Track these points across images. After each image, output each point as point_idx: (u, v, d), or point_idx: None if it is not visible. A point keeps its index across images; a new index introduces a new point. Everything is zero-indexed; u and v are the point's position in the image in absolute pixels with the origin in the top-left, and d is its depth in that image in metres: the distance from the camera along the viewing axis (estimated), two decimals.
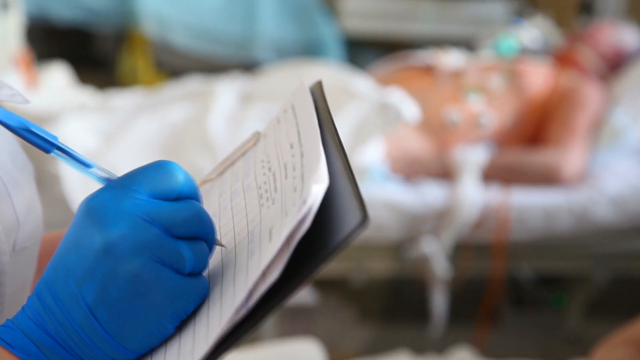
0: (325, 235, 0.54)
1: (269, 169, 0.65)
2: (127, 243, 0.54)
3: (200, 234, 0.57)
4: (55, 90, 2.51)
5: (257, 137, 0.73)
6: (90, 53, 3.83)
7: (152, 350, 0.57)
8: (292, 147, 0.64)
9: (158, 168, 0.57)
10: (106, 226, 0.54)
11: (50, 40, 3.63)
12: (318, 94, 0.68)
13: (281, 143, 0.66)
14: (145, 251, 0.54)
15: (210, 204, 0.70)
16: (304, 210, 0.53)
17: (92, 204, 0.56)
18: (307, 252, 0.54)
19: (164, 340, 0.57)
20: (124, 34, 3.53)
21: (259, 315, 0.54)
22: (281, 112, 0.71)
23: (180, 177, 0.58)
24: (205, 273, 0.60)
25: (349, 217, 0.53)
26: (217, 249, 0.63)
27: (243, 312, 0.53)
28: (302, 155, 0.60)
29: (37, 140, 0.58)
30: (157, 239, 0.55)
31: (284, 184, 0.61)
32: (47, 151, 0.58)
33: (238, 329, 0.54)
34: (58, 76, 2.59)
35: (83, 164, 0.59)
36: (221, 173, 0.74)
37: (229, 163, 0.74)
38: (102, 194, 0.56)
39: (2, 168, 0.65)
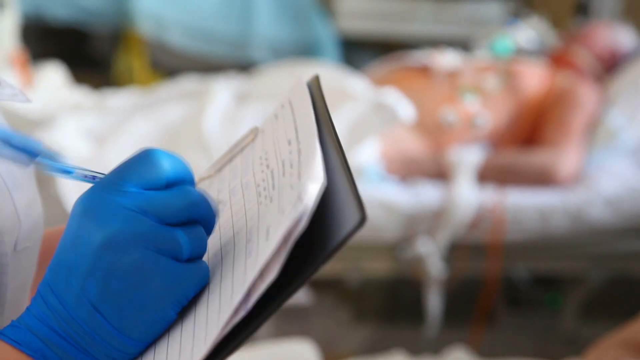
0: (324, 235, 0.54)
1: (267, 166, 0.65)
2: (124, 237, 0.55)
3: (195, 217, 0.58)
4: (50, 90, 2.50)
5: (255, 132, 0.73)
6: (85, 53, 3.82)
7: (155, 344, 0.58)
8: (289, 143, 0.63)
9: (142, 159, 0.58)
10: (102, 223, 0.55)
11: (45, 40, 3.62)
12: (315, 90, 0.67)
13: (279, 139, 0.66)
14: (141, 242, 0.55)
15: None
16: (300, 209, 0.53)
17: (85, 203, 0.57)
18: (306, 251, 0.54)
19: (167, 332, 0.58)
20: (119, 34, 3.52)
21: (260, 316, 0.53)
22: (279, 108, 0.70)
23: (165, 164, 0.58)
24: (205, 258, 0.60)
25: (348, 216, 0.53)
26: (217, 244, 0.62)
27: (242, 312, 0.53)
28: (299, 153, 0.60)
29: (16, 154, 0.58)
30: (151, 229, 0.56)
31: (282, 181, 0.61)
32: (25, 164, 0.59)
33: (240, 330, 0.54)
34: (53, 76, 2.58)
35: (64, 171, 0.60)
36: (219, 170, 0.74)
37: (227, 159, 0.74)
38: (94, 193, 0.57)
39: (3, 167, 0.65)
